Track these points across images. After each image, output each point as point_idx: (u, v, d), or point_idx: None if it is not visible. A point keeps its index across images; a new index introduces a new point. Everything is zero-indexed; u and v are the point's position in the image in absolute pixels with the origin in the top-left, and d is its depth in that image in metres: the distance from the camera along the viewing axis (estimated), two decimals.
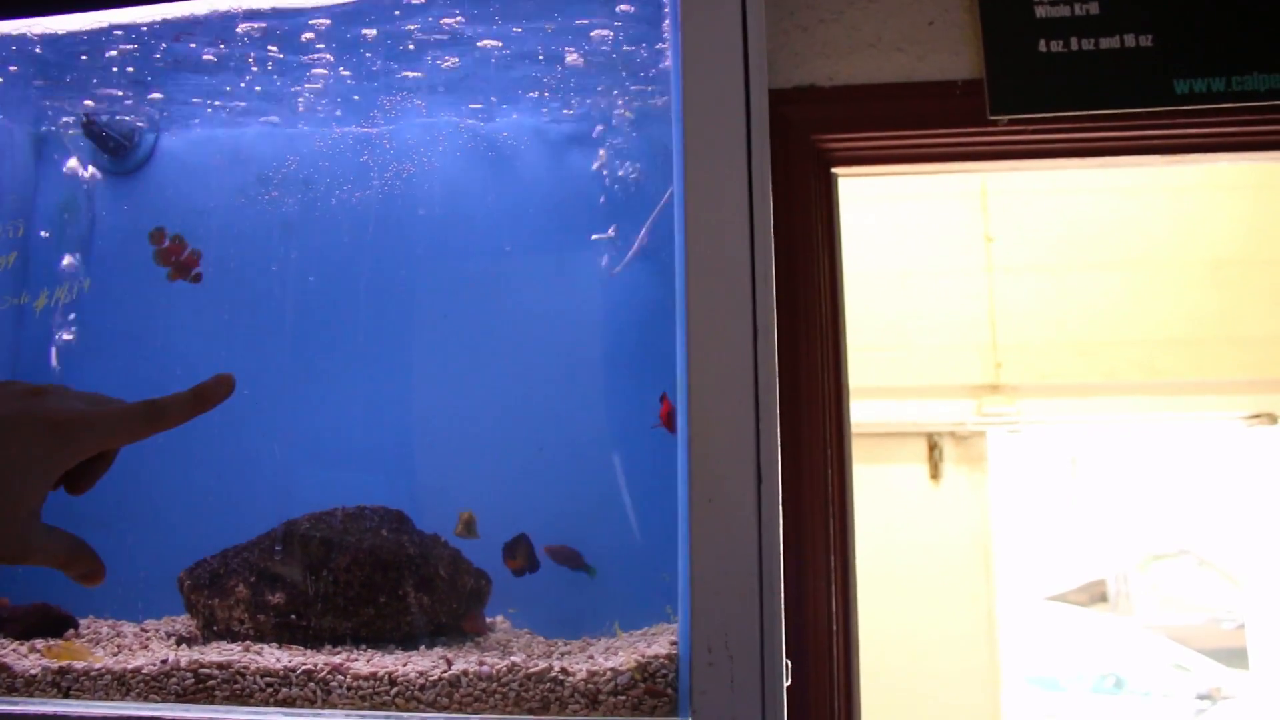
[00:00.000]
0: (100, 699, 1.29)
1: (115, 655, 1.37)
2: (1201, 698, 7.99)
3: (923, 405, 4.91)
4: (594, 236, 1.73)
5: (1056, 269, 4.89)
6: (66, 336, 1.80)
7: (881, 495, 4.84)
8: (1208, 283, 4.82)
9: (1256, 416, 4.87)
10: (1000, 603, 4.97)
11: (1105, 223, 4.89)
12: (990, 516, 5.01)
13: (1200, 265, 4.84)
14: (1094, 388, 4.83)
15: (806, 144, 2.26)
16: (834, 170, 2.31)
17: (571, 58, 1.73)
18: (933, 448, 5.00)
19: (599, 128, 1.80)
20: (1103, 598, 11.51)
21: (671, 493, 1.28)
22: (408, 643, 1.44)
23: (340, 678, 1.24)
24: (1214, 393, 4.80)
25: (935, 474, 5.00)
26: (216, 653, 1.33)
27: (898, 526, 4.87)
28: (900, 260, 4.92)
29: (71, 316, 1.80)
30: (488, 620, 1.60)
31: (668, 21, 1.47)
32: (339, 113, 1.79)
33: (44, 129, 1.89)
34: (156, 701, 1.27)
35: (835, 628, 2.14)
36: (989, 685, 4.86)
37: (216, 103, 1.85)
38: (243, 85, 1.76)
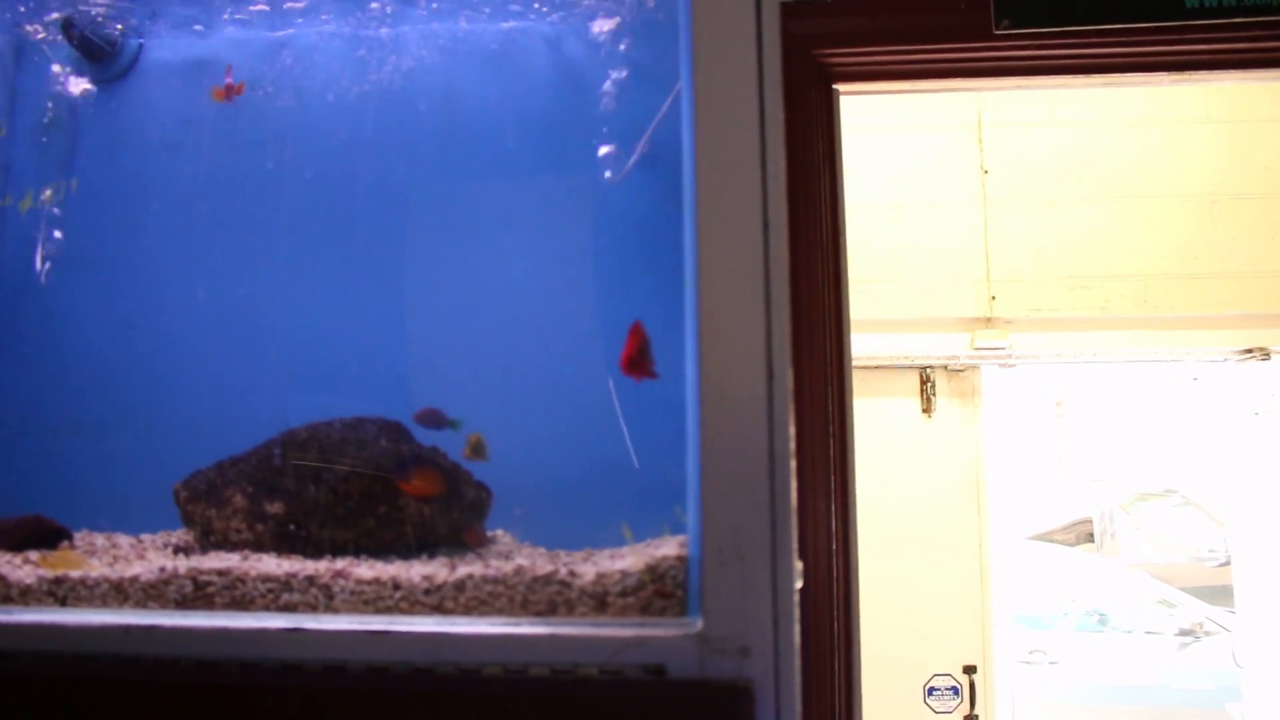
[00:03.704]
0: (98, 607, 1.27)
1: (112, 565, 1.35)
2: (1185, 633, 8.10)
3: (916, 338, 4.90)
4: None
5: (1052, 201, 4.86)
6: (52, 240, 1.76)
7: (873, 428, 4.84)
8: (1202, 216, 4.80)
9: (1249, 351, 4.87)
10: (991, 538, 5.00)
11: (1100, 155, 4.86)
12: (983, 452, 5.01)
13: (1195, 199, 4.81)
14: (1087, 321, 4.82)
15: (808, 58, 2.21)
16: (835, 86, 2.27)
17: None
18: (925, 381, 5.00)
19: (598, 29, 1.75)
20: (1088, 537, 11.64)
21: (675, 401, 1.25)
22: (408, 553, 1.42)
23: (343, 582, 1.22)
24: (1207, 327, 4.79)
25: (928, 408, 4.99)
26: (216, 560, 1.31)
27: (889, 460, 4.88)
28: (894, 192, 4.89)
29: (56, 220, 1.76)
30: (488, 534, 1.58)
31: None
32: (330, 13, 1.74)
33: (23, 33, 1.84)
34: (155, 609, 1.25)
35: (835, 546, 2.13)
36: (979, 620, 4.90)
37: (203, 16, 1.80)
38: None
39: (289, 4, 1.73)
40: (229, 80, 1.71)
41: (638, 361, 1.43)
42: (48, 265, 1.77)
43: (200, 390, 1.74)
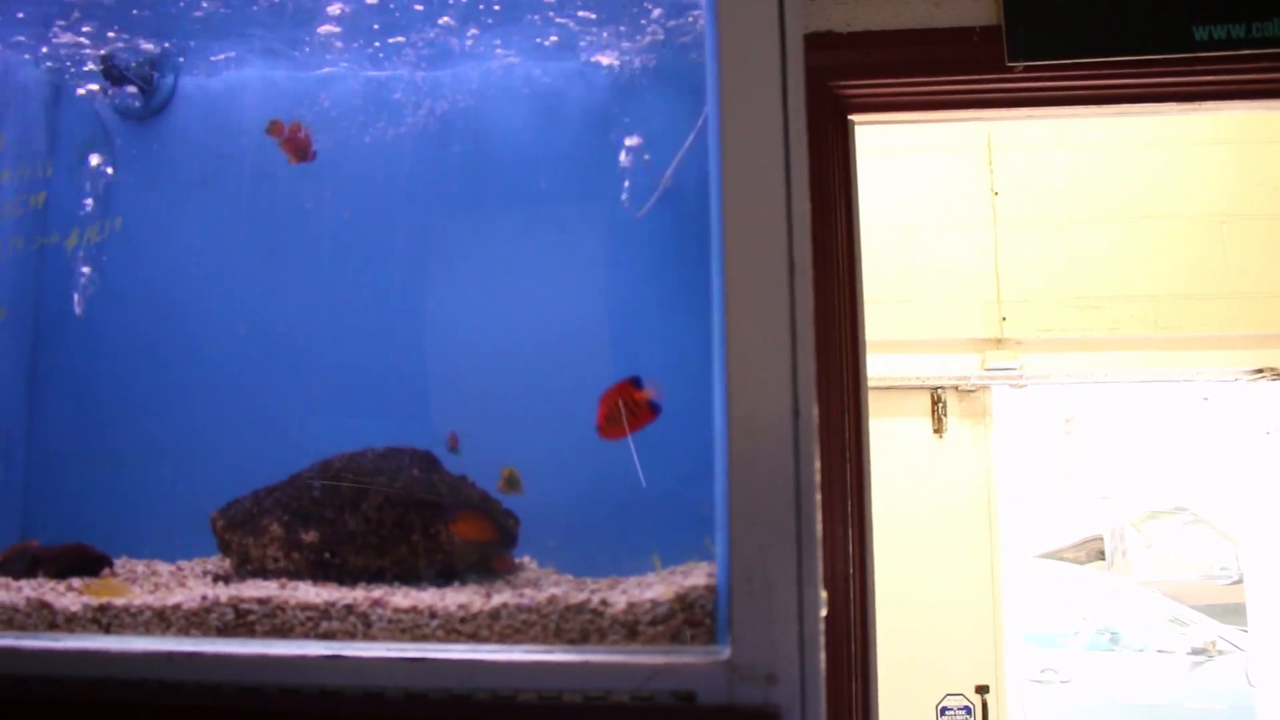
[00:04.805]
0: (141, 634, 1.30)
1: (153, 593, 1.39)
2: (1197, 652, 8.06)
3: (927, 359, 4.92)
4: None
5: (1061, 223, 4.89)
6: (92, 274, 1.80)
7: (885, 449, 4.85)
8: (1212, 237, 4.83)
9: (1260, 371, 4.89)
10: (1003, 558, 5.01)
11: (1110, 176, 4.89)
12: (993, 472, 5.03)
13: (1204, 220, 4.84)
14: (1097, 342, 4.85)
15: (823, 90, 2.26)
16: (850, 117, 2.31)
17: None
18: (936, 402, 5.02)
19: (621, 65, 1.79)
20: (1099, 555, 11.60)
21: (700, 431, 1.28)
22: (439, 581, 1.45)
23: (380, 611, 1.25)
24: (1217, 347, 4.81)
25: (939, 428, 5.02)
26: (255, 588, 1.35)
27: (901, 480, 4.90)
28: (905, 214, 4.92)
29: (96, 254, 1.80)
30: (515, 560, 1.61)
31: None
32: (366, 56, 1.79)
33: (64, 70, 1.89)
34: (197, 636, 1.29)
35: (852, 571, 2.16)
36: (991, 639, 4.91)
37: (233, 50, 1.85)
38: (265, 26, 1.75)
39: (325, 44, 1.77)
40: (296, 135, 1.73)
41: (603, 429, 1.51)
42: (88, 298, 1.81)
43: (236, 419, 1.78)
